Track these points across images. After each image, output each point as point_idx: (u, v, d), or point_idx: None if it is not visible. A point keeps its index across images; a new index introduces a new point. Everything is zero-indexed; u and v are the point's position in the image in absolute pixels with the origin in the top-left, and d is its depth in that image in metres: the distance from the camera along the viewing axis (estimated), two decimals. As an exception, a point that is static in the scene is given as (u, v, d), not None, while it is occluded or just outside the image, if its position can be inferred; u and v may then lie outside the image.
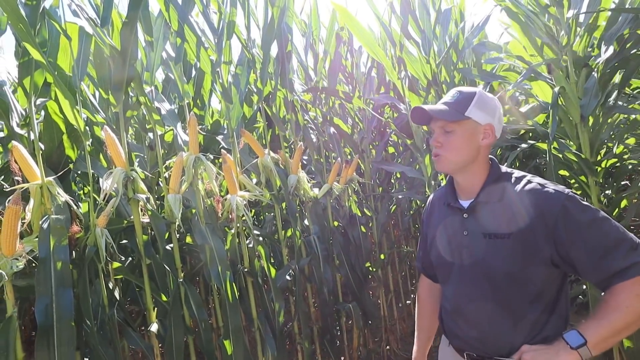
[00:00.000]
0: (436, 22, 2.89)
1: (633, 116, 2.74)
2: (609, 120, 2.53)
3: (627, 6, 2.32)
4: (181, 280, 1.97)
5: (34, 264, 1.49)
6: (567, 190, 1.10)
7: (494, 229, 1.15)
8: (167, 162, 2.16)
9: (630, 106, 2.34)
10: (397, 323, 3.96)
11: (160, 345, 1.85)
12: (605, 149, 3.10)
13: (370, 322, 3.27)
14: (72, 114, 1.65)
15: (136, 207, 1.85)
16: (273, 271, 2.37)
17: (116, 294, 1.90)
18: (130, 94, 2.27)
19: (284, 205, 2.65)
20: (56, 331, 1.39)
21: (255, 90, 2.77)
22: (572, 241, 1.05)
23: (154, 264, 1.86)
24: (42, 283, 1.40)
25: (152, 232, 1.92)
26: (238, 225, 2.27)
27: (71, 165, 1.99)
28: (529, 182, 1.16)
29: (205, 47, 2.17)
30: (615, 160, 2.56)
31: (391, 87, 3.50)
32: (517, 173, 1.22)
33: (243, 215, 2.21)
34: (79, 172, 2.08)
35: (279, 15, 2.46)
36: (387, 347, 3.73)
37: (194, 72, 2.95)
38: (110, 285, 1.86)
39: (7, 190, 1.59)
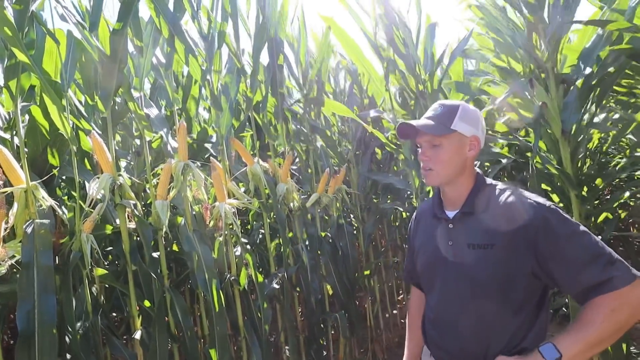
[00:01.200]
0: (417, 37, 2.95)
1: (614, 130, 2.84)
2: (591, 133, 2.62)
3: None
4: (167, 287, 1.94)
5: (15, 270, 1.46)
6: (548, 203, 1.13)
7: (478, 239, 1.18)
8: (155, 169, 2.15)
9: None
10: (383, 333, 3.96)
11: (143, 353, 1.82)
12: (588, 162, 3.19)
13: (355, 332, 3.26)
14: (59, 120, 1.63)
15: (123, 213, 1.83)
16: (260, 279, 2.36)
17: (100, 301, 1.86)
18: (118, 99, 2.26)
19: (272, 214, 2.65)
20: (38, 338, 1.36)
21: (244, 98, 2.78)
22: (551, 253, 1.08)
23: (139, 271, 1.83)
24: (24, 288, 1.37)
25: (138, 239, 1.90)
26: (226, 233, 2.26)
27: (55, 171, 1.96)
28: (512, 193, 1.19)
29: (195, 55, 2.19)
30: (594, 173, 2.65)
31: (375, 100, 3.56)
32: (501, 185, 1.26)
33: (231, 223, 2.20)
34: (64, 177, 2.06)
35: (270, 24, 2.50)
36: (373, 357, 3.72)
37: (180, 80, 2.96)
38: (95, 291, 1.83)
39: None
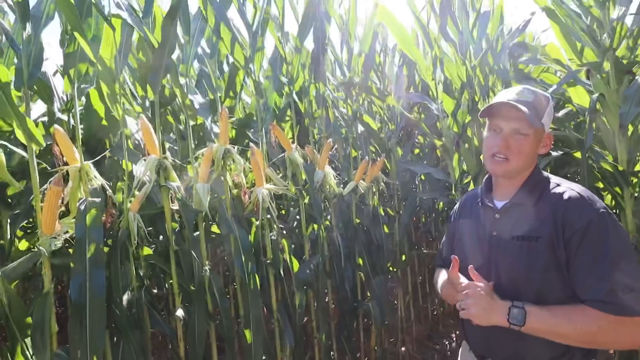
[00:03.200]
0: (475, 24, 2.82)
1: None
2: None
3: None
4: (207, 267, 2.01)
5: (67, 245, 1.56)
6: (602, 207, 1.07)
7: (524, 231, 1.14)
8: (197, 153, 2.21)
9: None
10: (413, 325, 3.94)
11: (182, 330, 1.91)
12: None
13: (387, 322, 3.26)
14: (113, 104, 1.70)
15: (167, 194, 1.90)
16: (296, 264, 2.39)
17: (144, 277, 1.96)
18: (166, 85, 2.33)
19: (308, 200, 2.67)
20: (89, 309, 1.45)
21: (286, 82, 2.79)
22: (577, 254, 1.05)
23: (180, 251, 1.91)
24: (77, 262, 1.46)
25: (180, 220, 1.97)
26: (263, 217, 2.30)
27: (107, 153, 2.06)
28: (569, 188, 1.13)
29: (239, 43, 2.21)
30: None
31: (419, 88, 3.45)
32: (556, 179, 1.20)
33: (268, 208, 2.24)
34: (111, 158, 2.15)
35: (316, 7, 2.46)
36: (403, 348, 3.71)
37: (226, 66, 3.00)
38: (140, 270, 1.92)
39: (48, 171, 1.66)
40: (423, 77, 2.78)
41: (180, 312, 1.86)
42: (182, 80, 2.13)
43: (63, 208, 1.57)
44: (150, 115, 2.15)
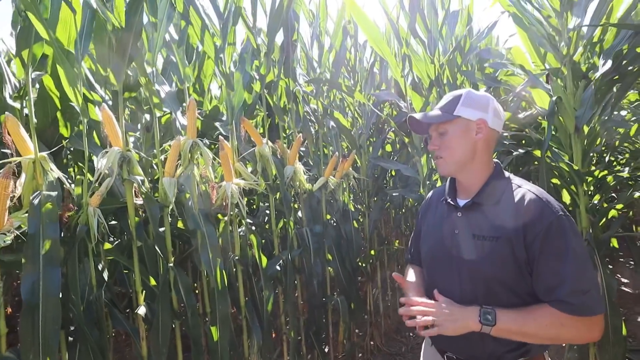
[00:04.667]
0: (443, 23, 2.87)
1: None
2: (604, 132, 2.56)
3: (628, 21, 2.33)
4: (171, 264, 1.95)
5: (20, 240, 1.46)
6: (561, 211, 1.12)
7: (484, 231, 1.17)
8: (164, 146, 2.13)
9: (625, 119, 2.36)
10: (382, 318, 4.00)
11: (146, 328, 1.84)
12: (596, 159, 3.12)
13: (355, 316, 3.29)
14: (71, 90, 1.61)
15: (130, 188, 1.82)
16: (264, 260, 2.36)
17: (104, 275, 1.88)
18: (130, 73, 2.23)
19: (278, 195, 2.64)
20: (42, 309, 1.37)
21: (257, 77, 2.73)
22: (540, 257, 1.09)
23: (144, 247, 1.84)
24: (29, 260, 1.37)
25: (145, 215, 1.90)
26: (231, 212, 2.25)
27: (65, 142, 1.95)
28: (529, 191, 1.17)
29: (210, 32, 2.13)
30: (606, 171, 2.59)
31: (392, 84, 3.48)
32: (518, 180, 1.24)
33: (237, 203, 2.19)
34: (72, 149, 2.04)
35: (287, 3, 2.42)
36: (371, 342, 3.76)
37: (194, 57, 2.90)
38: (100, 266, 1.84)
39: (-1, 163, 1.55)
40: (392, 74, 2.80)
41: (142, 310, 1.79)
42: (148, 69, 2.04)
43: (15, 202, 1.47)
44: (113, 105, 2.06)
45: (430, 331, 1.12)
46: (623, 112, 3.23)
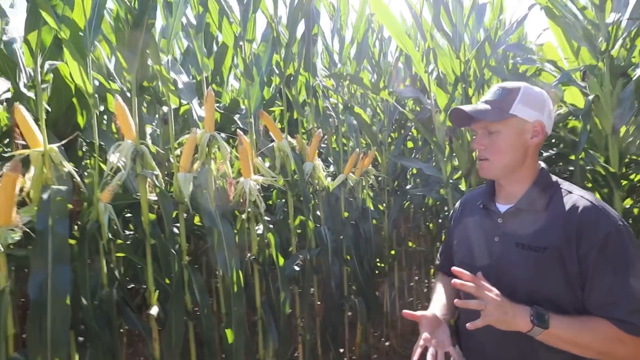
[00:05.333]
0: (469, 15, 2.71)
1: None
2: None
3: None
4: (185, 263, 1.87)
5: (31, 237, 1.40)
6: (619, 220, 1.00)
7: (530, 239, 1.05)
8: (181, 139, 2.05)
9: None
10: (398, 320, 3.89)
11: (158, 328, 1.77)
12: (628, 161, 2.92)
13: (372, 317, 3.18)
14: (79, 76, 1.53)
15: (144, 183, 1.75)
16: (281, 260, 2.27)
17: (116, 272, 1.81)
18: (149, 63, 2.15)
19: (297, 192, 2.54)
20: (50, 308, 1.31)
21: (277, 71, 2.63)
22: (593, 273, 0.97)
23: (158, 245, 1.76)
24: (38, 257, 1.31)
25: (159, 211, 1.82)
26: (249, 210, 2.16)
27: (79, 134, 1.88)
28: (582, 197, 1.04)
29: (229, 19, 2.04)
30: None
31: (418, 80, 3.33)
32: (567, 185, 1.11)
33: (255, 200, 2.10)
34: (87, 141, 1.98)
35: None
36: (387, 343, 3.66)
37: (215, 47, 2.82)
38: (112, 263, 1.77)
39: (7, 155, 1.49)
40: (415, 69, 2.66)
41: (155, 311, 1.72)
42: (164, 58, 1.96)
43: (25, 197, 1.41)
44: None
45: (477, 322, 0.97)
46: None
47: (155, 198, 1.78)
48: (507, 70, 2.54)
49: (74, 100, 1.77)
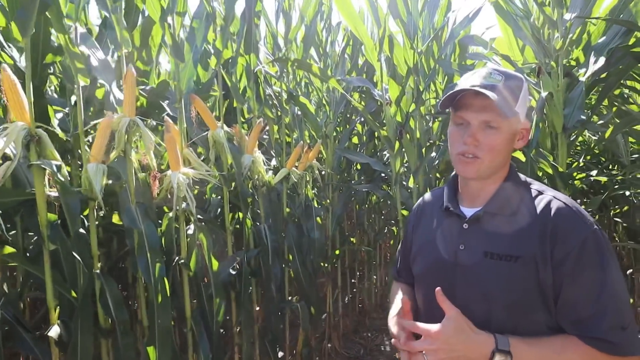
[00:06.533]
0: (424, 8, 2.64)
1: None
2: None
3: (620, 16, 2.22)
4: (97, 271, 1.57)
5: None
6: (595, 224, 0.90)
7: (500, 247, 0.93)
8: (94, 123, 1.73)
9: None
10: (340, 319, 3.80)
11: (60, 353, 1.47)
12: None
13: (315, 320, 3.04)
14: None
15: (40, 176, 1.42)
16: (215, 264, 2.03)
17: (5, 286, 1.47)
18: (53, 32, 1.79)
19: (233, 187, 2.31)
20: None
21: (212, 51, 2.36)
22: (571, 281, 0.87)
23: (61, 251, 1.45)
24: None
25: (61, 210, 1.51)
26: (178, 207, 1.89)
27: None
28: (555, 198, 0.94)
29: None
30: (584, 175, 2.50)
31: (365, 71, 3.22)
32: (538, 185, 1.00)
33: (184, 196, 1.84)
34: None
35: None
36: (329, 344, 3.55)
37: (139, 19, 2.47)
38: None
39: None
40: (368, 58, 2.54)
41: (55, 331, 1.41)
42: (72, 27, 1.63)
43: None
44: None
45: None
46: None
47: (57, 194, 1.46)
48: (455, 64, 2.48)
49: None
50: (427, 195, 1.21)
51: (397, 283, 1.23)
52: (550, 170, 2.14)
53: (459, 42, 2.57)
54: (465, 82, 0.96)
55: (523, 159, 2.17)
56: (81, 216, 1.64)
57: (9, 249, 1.43)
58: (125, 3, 2.02)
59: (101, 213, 1.85)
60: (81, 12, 1.97)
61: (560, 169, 2.09)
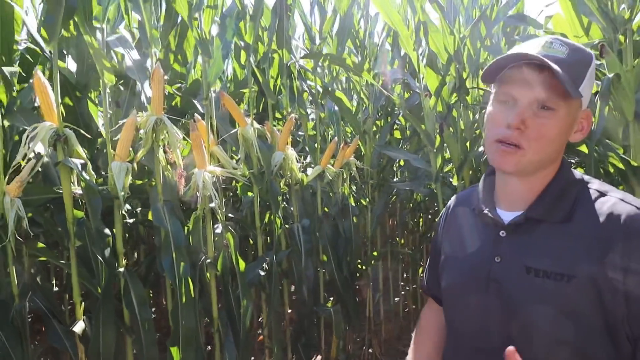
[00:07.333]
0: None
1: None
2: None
3: None
4: (122, 269, 1.59)
5: None
6: None
7: (547, 263, 0.73)
8: (121, 123, 1.75)
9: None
10: (382, 324, 3.64)
11: (84, 349, 1.49)
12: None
13: (352, 325, 2.92)
14: None
15: (67, 174, 1.45)
16: (242, 264, 1.99)
17: (38, 278, 1.53)
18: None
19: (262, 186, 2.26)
20: None
21: (244, 47, 2.33)
22: None
23: (82, 249, 1.48)
24: None
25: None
26: (204, 206, 1.88)
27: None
28: (621, 201, 0.74)
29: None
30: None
31: (407, 62, 3.04)
32: (598, 184, 0.80)
33: (209, 195, 1.82)
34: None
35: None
36: (370, 350, 3.41)
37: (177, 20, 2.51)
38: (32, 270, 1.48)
39: None
40: (404, 47, 2.37)
41: (80, 327, 1.44)
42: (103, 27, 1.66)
43: None
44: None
45: None
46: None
47: (81, 192, 1.48)
48: (505, 50, 2.25)
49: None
50: (459, 195, 1.03)
51: (427, 298, 1.08)
52: (621, 165, 1.84)
53: (507, 23, 2.32)
54: (518, 50, 0.78)
55: (586, 151, 1.90)
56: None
57: (40, 244, 1.47)
58: (166, 5, 2.06)
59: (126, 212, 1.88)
60: (116, 14, 2.02)
61: (634, 163, 1.78)
